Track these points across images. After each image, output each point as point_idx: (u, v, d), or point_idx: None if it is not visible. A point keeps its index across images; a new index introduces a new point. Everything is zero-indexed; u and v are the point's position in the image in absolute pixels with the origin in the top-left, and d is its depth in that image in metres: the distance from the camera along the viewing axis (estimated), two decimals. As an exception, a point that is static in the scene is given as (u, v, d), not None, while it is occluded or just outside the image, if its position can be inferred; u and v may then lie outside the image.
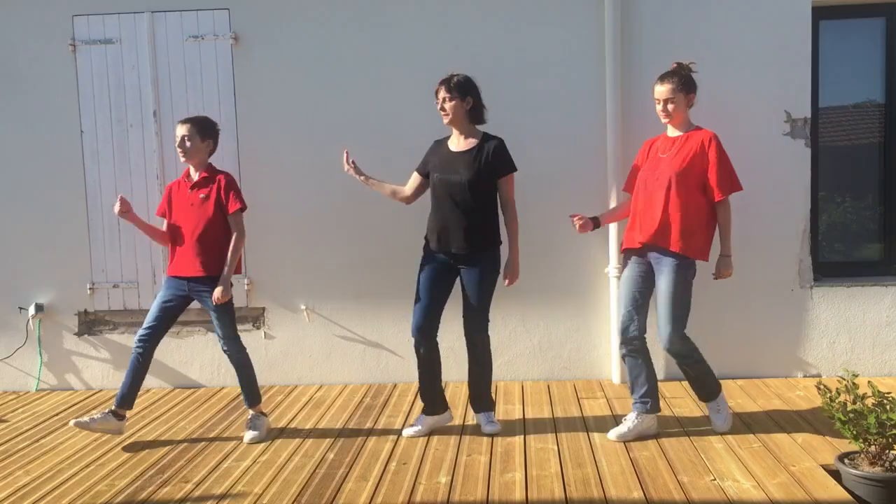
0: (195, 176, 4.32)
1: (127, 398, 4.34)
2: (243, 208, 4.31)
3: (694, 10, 5.09)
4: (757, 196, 5.11)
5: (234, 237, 4.29)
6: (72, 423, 4.28)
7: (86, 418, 4.29)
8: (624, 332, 4.15)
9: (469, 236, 4.13)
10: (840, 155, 5.35)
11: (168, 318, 4.33)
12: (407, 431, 4.31)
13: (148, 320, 4.30)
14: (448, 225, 4.16)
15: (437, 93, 4.17)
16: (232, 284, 4.28)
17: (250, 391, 4.42)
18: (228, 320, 4.31)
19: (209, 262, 4.26)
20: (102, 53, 5.40)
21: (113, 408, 4.35)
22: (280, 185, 5.37)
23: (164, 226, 4.42)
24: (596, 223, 4.29)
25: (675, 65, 4.14)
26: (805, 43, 5.06)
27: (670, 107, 4.07)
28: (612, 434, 4.12)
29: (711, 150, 4.01)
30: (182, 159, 4.29)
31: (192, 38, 5.34)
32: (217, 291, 4.20)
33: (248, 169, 5.37)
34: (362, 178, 4.40)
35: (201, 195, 4.27)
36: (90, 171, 5.45)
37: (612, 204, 5.10)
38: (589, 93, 5.16)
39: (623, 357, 4.21)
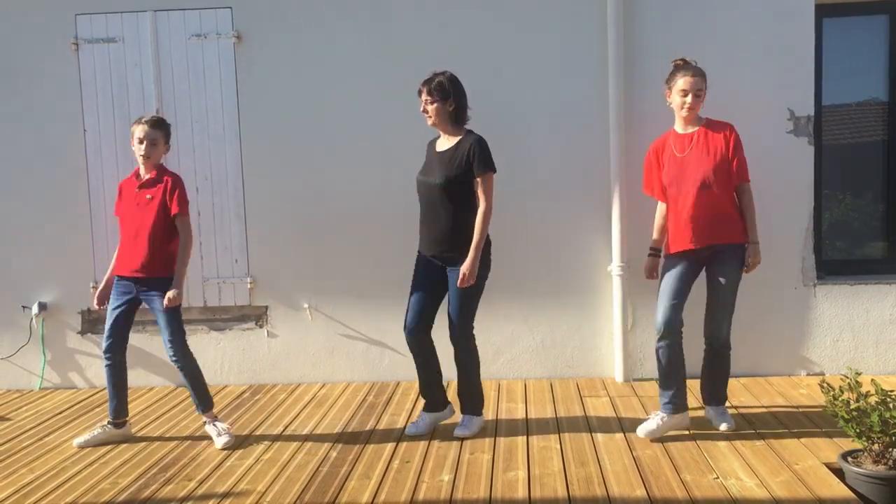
0: (145, 176, 4.26)
1: (119, 409, 4.37)
2: (183, 212, 4.23)
3: (697, 8, 5.08)
4: (760, 194, 5.05)
5: (181, 240, 4.24)
6: (74, 443, 4.32)
7: (86, 436, 4.34)
8: (670, 324, 4.03)
9: (447, 239, 4.09)
10: (843, 153, 5.34)
11: (123, 323, 4.31)
12: (409, 429, 4.32)
13: (106, 330, 4.31)
14: (428, 228, 4.15)
15: (419, 94, 4.15)
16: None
17: (204, 397, 4.33)
18: (177, 325, 4.22)
19: (153, 264, 4.20)
20: (105, 52, 5.40)
21: (110, 420, 4.38)
22: (283, 184, 5.37)
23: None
24: (656, 257, 4.34)
25: (682, 61, 4.11)
26: (808, 41, 5.06)
27: (698, 98, 4.05)
28: (641, 431, 4.07)
29: (733, 140, 4.06)
30: (142, 160, 4.22)
31: (195, 37, 5.34)
32: (170, 293, 4.12)
33: (251, 167, 5.37)
34: None
35: (147, 195, 4.22)
36: (93, 169, 5.45)
37: (615, 203, 5.10)
38: (591, 92, 5.15)
39: (660, 350, 4.09)
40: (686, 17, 5.08)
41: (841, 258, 5.39)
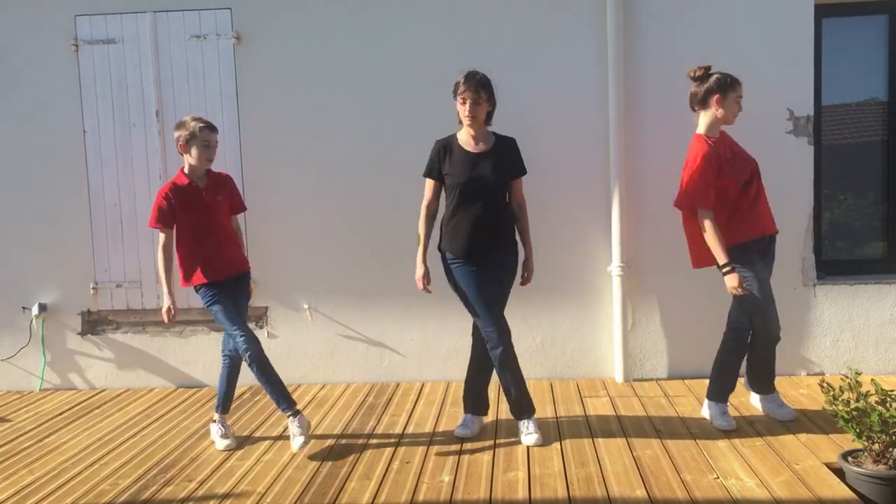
0: (204, 178, 4.19)
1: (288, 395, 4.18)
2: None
3: (696, 8, 5.08)
4: (760, 194, 5.11)
5: (242, 234, 4.47)
6: (294, 448, 4.05)
7: (299, 440, 4.01)
8: (778, 329, 4.21)
9: (500, 238, 4.08)
10: (843, 153, 5.34)
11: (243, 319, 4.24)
12: (461, 432, 4.25)
13: (238, 327, 4.07)
14: (482, 227, 4.03)
15: (460, 93, 3.98)
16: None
17: (230, 400, 4.38)
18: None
19: (244, 258, 4.38)
20: (105, 53, 5.40)
21: (291, 412, 4.10)
22: (282, 185, 5.37)
23: (162, 237, 4.13)
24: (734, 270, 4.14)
25: (705, 69, 4.18)
26: (807, 41, 5.06)
27: None
28: (787, 416, 4.30)
29: None
30: (208, 165, 4.15)
31: (195, 38, 5.34)
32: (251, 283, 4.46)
33: (251, 168, 5.37)
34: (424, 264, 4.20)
35: (218, 197, 4.20)
36: (93, 170, 5.46)
37: (615, 203, 5.10)
38: (591, 92, 5.15)
39: (770, 353, 4.28)
40: (685, 17, 5.08)
41: (841, 258, 5.39)
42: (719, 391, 4.25)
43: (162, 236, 4.13)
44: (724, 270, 4.03)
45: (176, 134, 4.15)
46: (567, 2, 5.14)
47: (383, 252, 5.33)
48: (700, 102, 4.15)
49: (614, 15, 5.02)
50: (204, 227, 4.15)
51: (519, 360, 5.31)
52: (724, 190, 4.05)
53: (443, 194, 4.17)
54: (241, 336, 4.05)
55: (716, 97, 4.09)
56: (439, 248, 4.18)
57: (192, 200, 4.13)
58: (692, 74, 4.18)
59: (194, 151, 4.09)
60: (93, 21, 5.38)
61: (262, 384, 4.11)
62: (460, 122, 4.09)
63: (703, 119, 4.16)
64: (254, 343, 4.06)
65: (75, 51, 5.40)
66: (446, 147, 4.12)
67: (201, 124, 4.10)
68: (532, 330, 5.34)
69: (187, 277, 4.16)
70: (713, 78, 4.11)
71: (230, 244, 4.26)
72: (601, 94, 5.13)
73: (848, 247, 5.40)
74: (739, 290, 4.00)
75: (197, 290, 4.17)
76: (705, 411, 4.36)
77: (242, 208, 4.40)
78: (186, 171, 4.17)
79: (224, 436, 4.25)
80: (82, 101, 5.43)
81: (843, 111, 5.32)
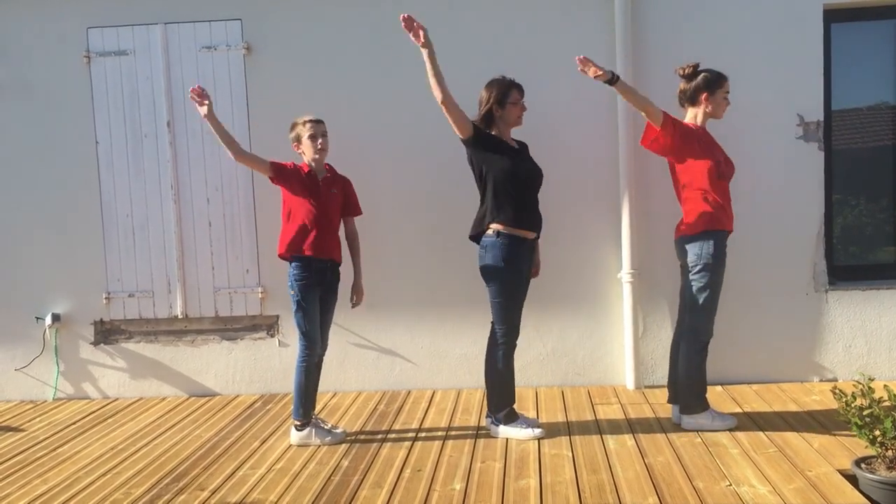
0: (322, 170, 4.48)
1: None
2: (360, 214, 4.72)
3: (705, 13, 5.08)
4: (770, 200, 5.09)
5: (357, 239, 4.71)
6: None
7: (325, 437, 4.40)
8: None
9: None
10: (854, 157, 5.33)
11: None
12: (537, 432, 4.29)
13: (311, 323, 4.41)
14: (536, 212, 4.32)
15: (521, 95, 4.34)
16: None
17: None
18: None
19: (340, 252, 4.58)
20: (117, 65, 5.45)
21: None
22: (293, 194, 5.39)
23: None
24: None
25: (694, 66, 4.28)
26: (816, 46, 5.05)
27: None
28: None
29: None
30: (321, 155, 4.41)
31: (205, 49, 5.38)
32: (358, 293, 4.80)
33: (261, 178, 5.38)
34: None
35: (333, 190, 4.47)
36: (105, 181, 5.50)
37: (625, 209, 5.10)
38: (599, 96, 5.15)
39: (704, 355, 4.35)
40: (694, 23, 5.09)
41: (853, 263, 5.36)
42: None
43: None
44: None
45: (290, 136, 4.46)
46: (576, 8, 5.15)
47: (394, 260, 5.34)
48: (689, 100, 4.29)
49: (622, 20, 5.03)
50: (320, 209, 4.37)
51: (530, 368, 5.35)
52: (705, 167, 4.18)
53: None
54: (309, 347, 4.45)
55: (704, 94, 4.23)
56: (496, 234, 4.23)
57: (320, 185, 4.42)
58: (681, 72, 4.30)
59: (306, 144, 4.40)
60: (104, 33, 5.43)
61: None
62: (490, 122, 4.31)
63: (691, 115, 4.30)
64: (320, 354, 4.55)
65: (87, 63, 5.44)
66: (495, 136, 4.33)
67: (302, 121, 4.40)
68: (542, 337, 5.34)
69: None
70: (701, 76, 4.23)
71: (336, 234, 4.48)
72: (610, 98, 5.13)
73: (860, 252, 5.38)
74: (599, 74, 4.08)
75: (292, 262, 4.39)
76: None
77: (358, 212, 4.65)
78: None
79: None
80: (94, 112, 5.47)
81: (853, 116, 5.31)
